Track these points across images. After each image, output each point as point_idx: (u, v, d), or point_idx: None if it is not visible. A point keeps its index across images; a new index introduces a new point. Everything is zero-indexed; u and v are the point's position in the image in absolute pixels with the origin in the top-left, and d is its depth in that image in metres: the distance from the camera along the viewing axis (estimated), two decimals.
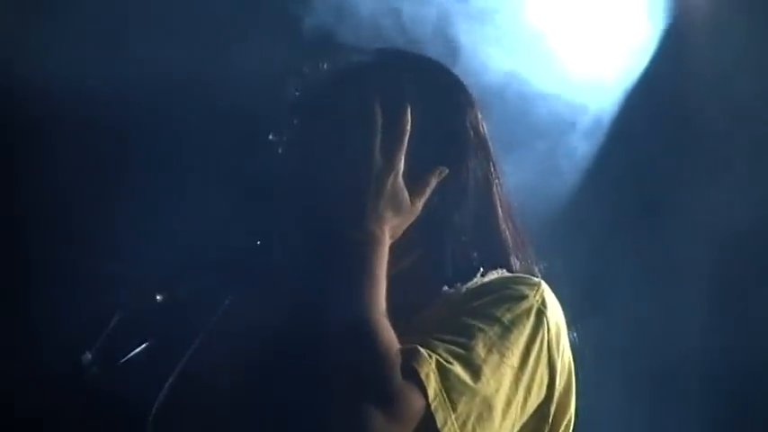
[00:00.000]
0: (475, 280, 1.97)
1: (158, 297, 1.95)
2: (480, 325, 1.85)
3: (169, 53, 3.37)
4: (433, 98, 2.00)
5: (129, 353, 2.05)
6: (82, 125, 3.46)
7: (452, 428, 1.77)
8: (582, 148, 3.96)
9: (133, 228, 3.32)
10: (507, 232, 2.02)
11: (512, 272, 2.00)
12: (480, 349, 1.82)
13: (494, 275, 1.98)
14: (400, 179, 1.88)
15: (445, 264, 1.96)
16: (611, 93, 3.99)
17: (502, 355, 1.83)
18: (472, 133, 2.02)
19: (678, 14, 4.00)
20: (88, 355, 1.97)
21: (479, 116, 2.04)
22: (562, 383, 1.92)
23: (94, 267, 3.11)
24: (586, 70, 3.91)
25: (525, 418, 1.88)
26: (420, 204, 1.90)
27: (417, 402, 1.76)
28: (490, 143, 2.05)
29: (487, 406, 1.80)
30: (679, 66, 4.04)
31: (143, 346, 2.03)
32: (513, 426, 1.86)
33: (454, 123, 2.01)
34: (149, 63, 3.38)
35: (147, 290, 1.95)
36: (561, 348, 1.91)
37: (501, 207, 2.02)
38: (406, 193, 1.88)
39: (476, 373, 1.80)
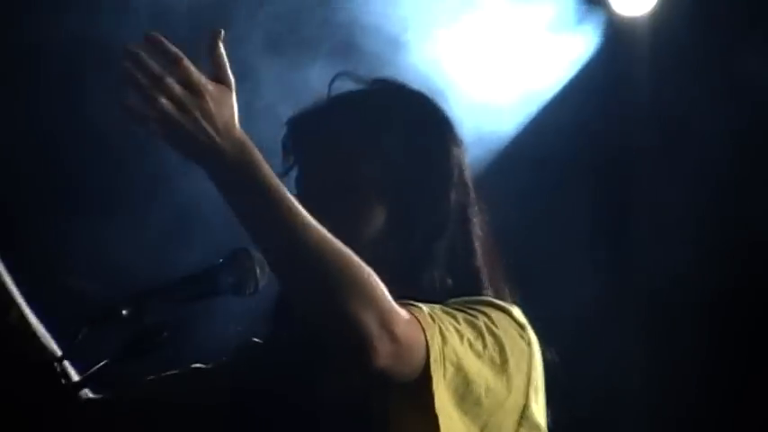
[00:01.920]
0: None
1: (124, 312, 2.07)
2: (469, 313, 1.90)
3: None
4: (424, 132, 2.08)
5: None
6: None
7: (444, 396, 1.81)
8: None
9: (102, 242, 3.42)
10: (484, 269, 2.06)
11: None
12: (469, 331, 1.86)
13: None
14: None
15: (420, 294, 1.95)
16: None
17: (485, 346, 1.87)
18: (456, 171, 2.07)
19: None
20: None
21: (464, 156, 2.10)
22: (537, 399, 1.97)
23: (62, 283, 3.18)
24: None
25: (496, 415, 1.91)
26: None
27: (418, 352, 1.78)
28: (470, 183, 2.10)
29: (467, 385, 1.84)
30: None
31: (102, 363, 2.13)
32: (483, 417, 1.90)
33: (440, 159, 2.07)
34: None
35: (114, 305, 2.02)
36: (538, 366, 1.97)
37: (479, 244, 2.07)
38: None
39: (466, 350, 1.84)
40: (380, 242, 2.00)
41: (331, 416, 1.98)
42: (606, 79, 4.22)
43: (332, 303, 1.72)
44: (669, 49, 4.15)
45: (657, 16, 4.07)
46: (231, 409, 2.09)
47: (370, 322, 1.71)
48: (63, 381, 2.10)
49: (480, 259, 2.06)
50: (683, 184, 4.20)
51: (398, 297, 1.86)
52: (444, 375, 1.80)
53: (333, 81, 2.12)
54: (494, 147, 4.06)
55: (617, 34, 4.14)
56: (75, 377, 2.12)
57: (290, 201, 1.73)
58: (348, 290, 1.72)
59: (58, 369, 2.10)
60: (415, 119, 2.09)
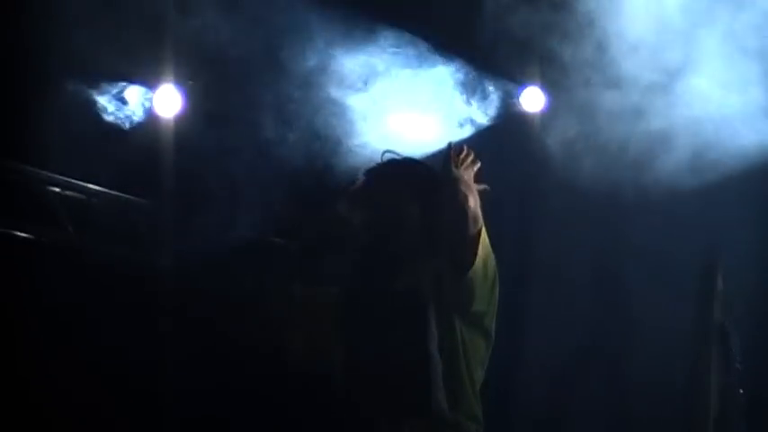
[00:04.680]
0: None
1: None
2: None
3: None
4: (426, 182, 4.44)
5: None
6: None
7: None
8: None
9: None
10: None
11: None
12: None
13: None
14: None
15: None
16: None
17: None
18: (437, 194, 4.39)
19: None
20: None
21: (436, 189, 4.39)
22: None
23: None
24: None
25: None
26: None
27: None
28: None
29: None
30: None
31: None
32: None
33: (431, 191, 4.39)
34: None
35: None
36: None
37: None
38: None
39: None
40: (416, 221, 4.39)
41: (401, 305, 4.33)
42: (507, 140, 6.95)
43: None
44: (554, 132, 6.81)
45: (544, 115, 6.87)
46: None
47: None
48: None
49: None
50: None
51: (417, 245, 4.41)
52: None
53: (383, 154, 4.51)
54: None
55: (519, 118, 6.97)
56: None
57: None
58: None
59: None
60: (422, 177, 4.47)
